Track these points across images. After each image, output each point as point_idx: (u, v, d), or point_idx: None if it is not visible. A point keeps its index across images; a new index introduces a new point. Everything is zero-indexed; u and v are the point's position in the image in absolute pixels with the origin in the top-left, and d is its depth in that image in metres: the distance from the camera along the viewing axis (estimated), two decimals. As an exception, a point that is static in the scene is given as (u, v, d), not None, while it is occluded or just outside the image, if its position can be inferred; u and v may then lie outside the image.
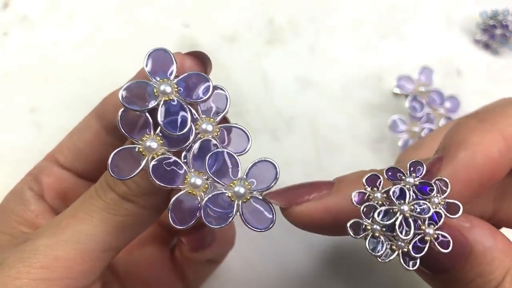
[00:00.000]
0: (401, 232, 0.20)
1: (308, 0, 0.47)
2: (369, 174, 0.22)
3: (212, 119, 0.24)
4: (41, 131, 0.42)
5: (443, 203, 0.21)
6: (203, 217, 0.22)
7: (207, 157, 0.23)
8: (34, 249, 0.23)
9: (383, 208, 0.21)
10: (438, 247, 0.21)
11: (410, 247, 0.20)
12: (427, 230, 0.20)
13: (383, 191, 0.21)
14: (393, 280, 0.37)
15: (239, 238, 0.34)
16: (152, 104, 0.23)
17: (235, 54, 0.45)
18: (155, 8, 0.47)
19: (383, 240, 0.21)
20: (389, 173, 0.22)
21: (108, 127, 0.29)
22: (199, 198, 0.23)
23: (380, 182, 0.22)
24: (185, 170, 0.23)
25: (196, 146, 0.23)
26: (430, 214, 0.20)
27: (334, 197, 0.24)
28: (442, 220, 0.21)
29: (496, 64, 0.45)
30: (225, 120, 0.25)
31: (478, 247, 0.21)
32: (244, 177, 0.23)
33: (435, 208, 0.21)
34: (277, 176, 0.23)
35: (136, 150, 0.23)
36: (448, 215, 0.21)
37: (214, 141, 0.23)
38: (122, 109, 0.23)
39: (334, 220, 0.24)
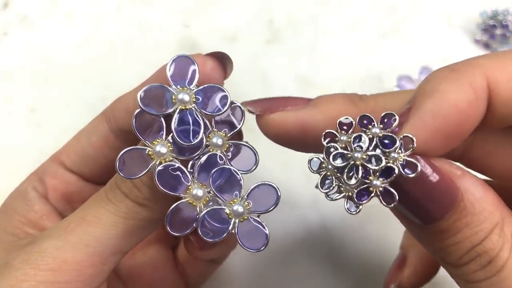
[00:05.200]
0: (348, 177, 0.21)
1: (308, 0, 0.47)
2: (344, 118, 0.23)
3: (224, 134, 0.24)
4: (41, 131, 0.42)
5: (401, 160, 0.21)
6: (198, 229, 0.23)
7: (213, 172, 0.23)
8: (42, 251, 0.23)
9: (339, 151, 0.21)
10: (381, 199, 0.21)
11: (355, 192, 0.21)
12: (374, 182, 0.21)
13: (349, 136, 0.22)
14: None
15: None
16: (168, 110, 0.23)
17: (235, 54, 0.45)
18: (155, 8, 0.47)
19: (334, 180, 0.22)
20: (363, 121, 0.22)
21: (116, 131, 0.28)
22: (198, 209, 0.23)
23: (353, 127, 0.23)
24: (189, 180, 0.23)
25: (203, 158, 0.23)
26: (379, 167, 0.21)
27: (309, 110, 0.24)
28: (394, 176, 0.20)
29: (496, 64, 0.45)
30: (238, 134, 0.25)
31: (468, 196, 0.21)
32: (245, 196, 0.23)
33: (392, 163, 0.21)
34: (277, 202, 0.23)
35: (146, 152, 0.23)
36: (402, 171, 0.20)
37: (222, 156, 0.24)
38: (138, 110, 0.23)
39: (304, 132, 0.24)
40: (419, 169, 0.20)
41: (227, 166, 0.23)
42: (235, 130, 0.25)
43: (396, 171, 0.20)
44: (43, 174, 0.30)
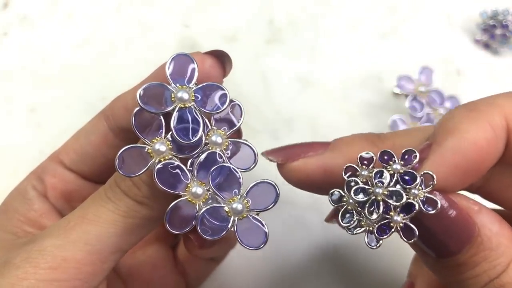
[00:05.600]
0: (369, 212, 0.21)
1: (308, 0, 0.47)
2: (365, 153, 0.23)
3: (223, 132, 0.24)
4: (41, 131, 0.42)
5: (421, 196, 0.21)
6: (198, 226, 0.23)
7: (212, 170, 0.23)
8: (42, 249, 0.23)
9: (360, 186, 0.22)
10: (401, 235, 0.21)
11: (376, 227, 0.21)
12: (394, 217, 0.21)
13: (370, 170, 0.22)
14: (394, 281, 0.37)
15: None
16: (167, 108, 0.23)
17: (235, 54, 0.45)
18: (155, 8, 0.47)
19: (355, 214, 0.22)
20: (384, 156, 0.23)
21: (116, 129, 0.28)
22: (197, 207, 0.23)
23: (373, 162, 0.23)
24: (188, 178, 0.23)
25: (202, 156, 0.23)
26: (400, 203, 0.21)
27: (329, 154, 0.25)
28: (414, 212, 0.21)
29: (496, 64, 0.45)
30: (237, 132, 0.26)
31: (485, 231, 0.22)
32: (244, 195, 0.23)
33: (412, 199, 0.21)
34: (276, 199, 0.23)
35: (145, 150, 0.23)
36: (423, 208, 0.21)
37: (221, 155, 0.24)
38: (137, 108, 0.23)
39: (327, 176, 0.24)
40: (439, 205, 0.21)
41: (227, 164, 0.23)
42: (234, 128, 0.25)
43: (417, 207, 0.21)
44: (42, 173, 0.30)
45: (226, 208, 0.23)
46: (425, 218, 0.21)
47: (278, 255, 0.38)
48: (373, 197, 0.21)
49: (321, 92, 0.44)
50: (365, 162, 0.23)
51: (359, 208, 0.22)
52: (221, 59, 0.26)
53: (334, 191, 0.23)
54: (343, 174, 0.23)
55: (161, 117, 0.23)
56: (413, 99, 0.41)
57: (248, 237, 0.23)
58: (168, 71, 0.24)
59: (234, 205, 0.23)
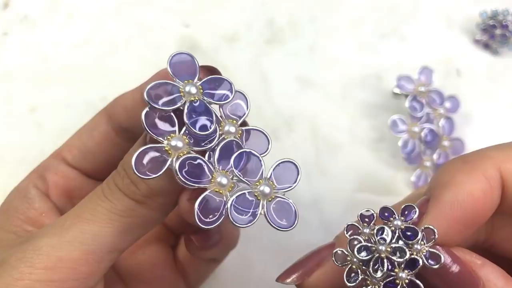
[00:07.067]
0: (374, 270, 0.21)
1: (308, 0, 0.47)
2: (365, 210, 0.23)
3: (235, 121, 0.25)
4: (41, 131, 0.42)
5: (424, 251, 0.21)
6: (230, 216, 0.22)
7: (233, 157, 0.23)
8: (37, 249, 0.23)
9: (363, 244, 0.22)
10: None
11: (382, 285, 0.21)
12: (399, 274, 0.21)
13: (371, 228, 0.22)
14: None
15: (239, 238, 0.34)
16: (177, 104, 0.23)
17: (235, 54, 0.45)
18: (155, 8, 0.47)
19: (360, 272, 0.22)
20: (384, 213, 0.23)
21: (116, 127, 0.28)
22: (224, 197, 0.23)
23: (374, 219, 0.23)
24: (211, 169, 0.23)
25: (220, 146, 0.23)
26: (403, 259, 0.21)
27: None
28: (418, 268, 0.21)
29: (496, 64, 0.45)
30: (244, 123, 0.26)
31: (490, 286, 0.22)
32: (268, 176, 0.23)
33: (415, 254, 0.21)
34: (299, 177, 0.23)
35: (163, 149, 0.23)
36: (426, 263, 0.21)
37: (238, 142, 0.24)
38: (147, 108, 0.23)
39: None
40: (442, 260, 0.21)
41: (247, 150, 0.23)
42: (245, 116, 0.25)
43: (421, 262, 0.21)
44: (44, 171, 0.30)
45: (255, 193, 0.23)
46: (428, 274, 0.21)
47: (278, 255, 0.38)
48: (377, 255, 0.21)
49: (321, 92, 0.44)
50: (366, 219, 0.23)
51: (363, 267, 0.22)
52: (212, 74, 0.26)
53: (337, 251, 0.22)
54: (345, 232, 0.23)
55: (172, 113, 0.23)
56: (413, 99, 0.41)
57: (279, 218, 0.23)
58: (170, 69, 0.24)
59: (261, 188, 0.23)
